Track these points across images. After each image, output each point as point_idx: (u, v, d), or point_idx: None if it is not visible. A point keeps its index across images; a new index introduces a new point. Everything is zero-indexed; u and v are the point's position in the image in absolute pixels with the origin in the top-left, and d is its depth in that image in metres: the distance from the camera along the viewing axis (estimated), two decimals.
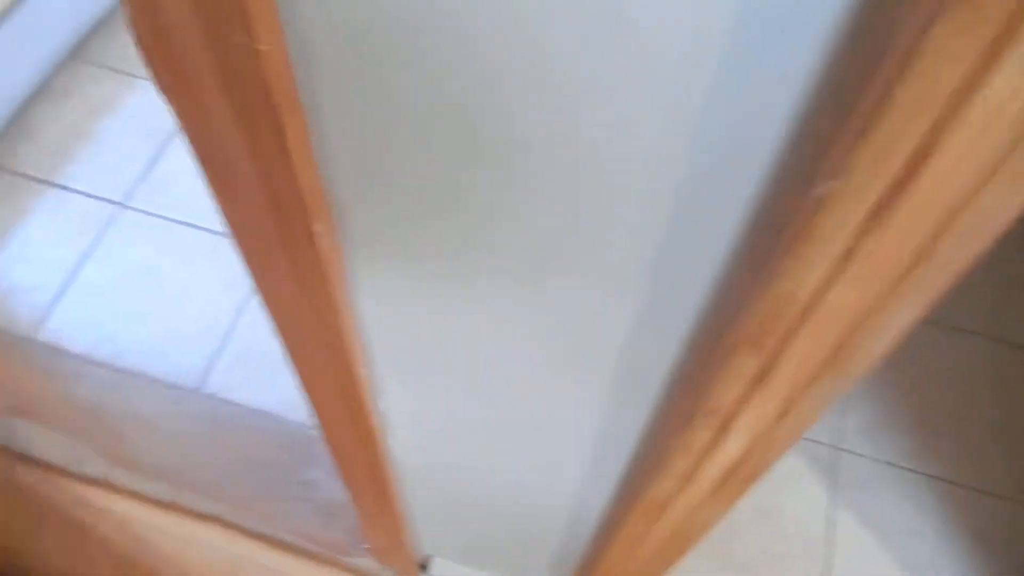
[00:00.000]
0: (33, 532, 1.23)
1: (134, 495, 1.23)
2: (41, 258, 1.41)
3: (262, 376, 1.33)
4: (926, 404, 1.39)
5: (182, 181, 1.52)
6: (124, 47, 1.69)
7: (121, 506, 1.24)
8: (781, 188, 0.31)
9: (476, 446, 0.68)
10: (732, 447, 0.49)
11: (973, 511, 1.29)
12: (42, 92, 1.61)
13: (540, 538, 0.88)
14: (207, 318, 1.38)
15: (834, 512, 1.28)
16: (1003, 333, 1.47)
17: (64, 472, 1.24)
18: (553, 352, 0.48)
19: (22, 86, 1.58)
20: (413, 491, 0.86)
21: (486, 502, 0.81)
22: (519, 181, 0.36)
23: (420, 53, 0.31)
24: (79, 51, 1.68)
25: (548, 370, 0.51)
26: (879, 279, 0.31)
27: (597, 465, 0.63)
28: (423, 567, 1.16)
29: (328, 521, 1.23)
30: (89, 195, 1.49)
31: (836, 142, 0.27)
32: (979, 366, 1.43)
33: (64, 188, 1.49)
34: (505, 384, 0.54)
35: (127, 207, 1.49)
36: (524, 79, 0.31)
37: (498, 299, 0.45)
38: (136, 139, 1.57)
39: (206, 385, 1.32)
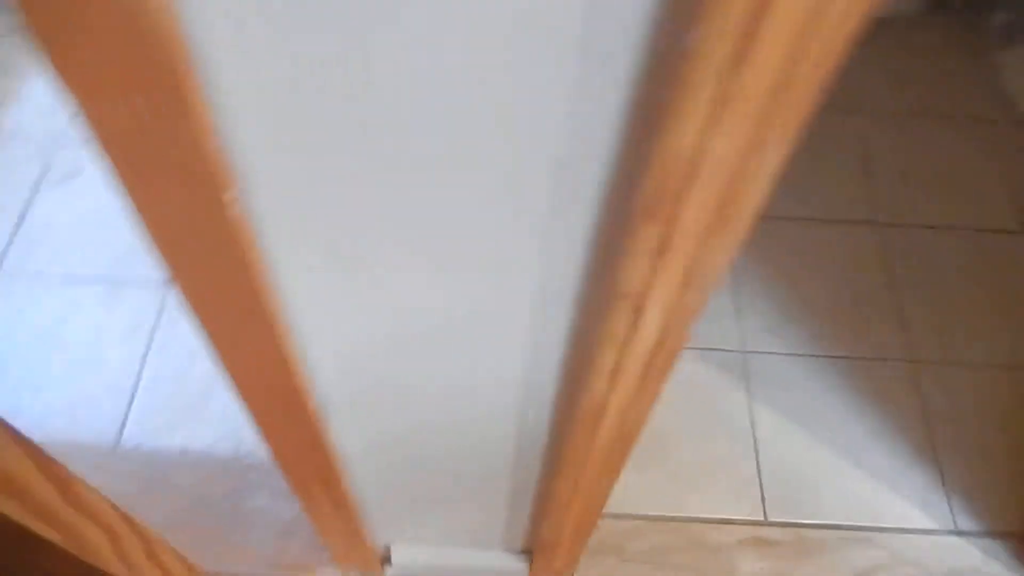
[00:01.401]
0: None
1: None
2: None
3: (176, 418, 1.30)
4: (814, 294, 1.51)
5: (57, 233, 1.46)
6: None
7: None
8: (656, 38, 0.35)
9: (413, 397, 0.70)
10: (649, 329, 0.53)
11: (871, 378, 1.42)
12: None
13: (489, 489, 0.90)
14: (112, 371, 1.33)
15: (754, 409, 1.37)
16: (873, 216, 1.61)
17: None
18: (469, 252, 0.51)
19: None
20: (361, 479, 0.87)
21: (431, 463, 0.84)
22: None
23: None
24: None
25: (470, 272, 0.53)
26: (750, 118, 0.36)
27: (531, 386, 0.67)
28: (385, 559, 1.17)
29: (284, 541, 1.23)
30: None
31: None
32: (855, 251, 1.57)
33: None
34: (432, 300, 0.56)
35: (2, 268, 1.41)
36: None
37: (405, 199, 0.46)
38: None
39: (125, 439, 1.27)
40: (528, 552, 1.09)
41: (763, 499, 1.29)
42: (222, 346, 0.58)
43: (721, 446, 1.34)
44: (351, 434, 0.76)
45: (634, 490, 1.28)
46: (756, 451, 1.33)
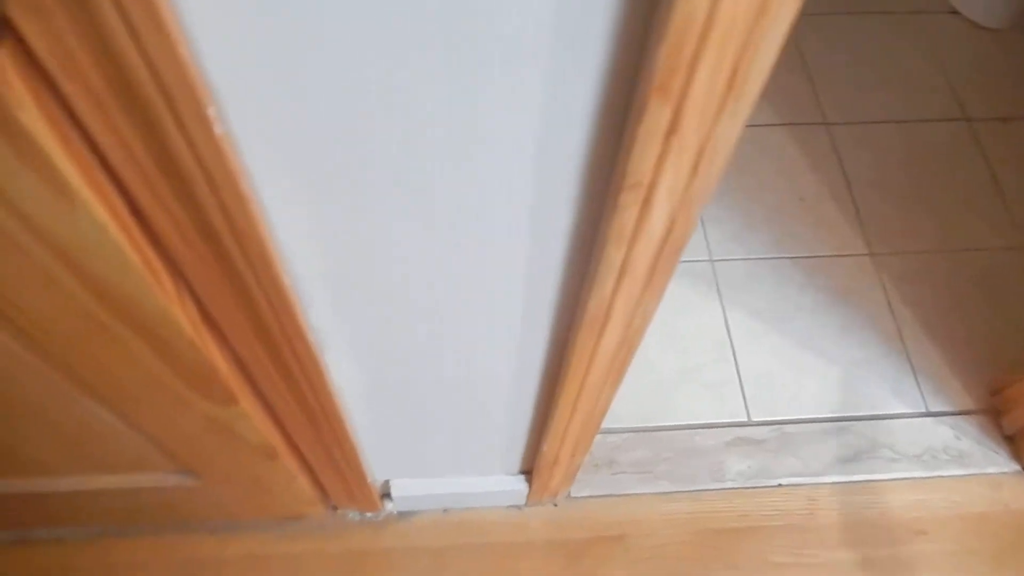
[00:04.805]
0: None
1: None
2: None
3: None
4: (773, 198, 1.53)
5: None
6: None
7: None
8: None
9: (412, 329, 0.68)
10: (658, 222, 0.53)
11: (835, 275, 1.45)
12: None
13: (489, 414, 0.90)
14: None
15: (728, 315, 1.40)
16: (821, 117, 1.63)
17: None
18: (468, 172, 0.50)
19: None
20: (359, 417, 0.86)
21: (429, 392, 0.83)
22: None
23: None
24: None
25: (467, 192, 0.52)
26: None
27: (532, 296, 0.66)
28: (384, 494, 1.17)
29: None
30: None
31: None
32: (808, 153, 1.58)
33: None
34: (428, 228, 0.55)
35: None
36: None
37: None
38: None
39: None
40: (528, 472, 1.10)
41: (744, 400, 1.32)
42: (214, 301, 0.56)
43: (700, 354, 1.36)
44: (347, 370, 0.75)
45: (621, 406, 1.30)
46: (734, 355, 1.36)
